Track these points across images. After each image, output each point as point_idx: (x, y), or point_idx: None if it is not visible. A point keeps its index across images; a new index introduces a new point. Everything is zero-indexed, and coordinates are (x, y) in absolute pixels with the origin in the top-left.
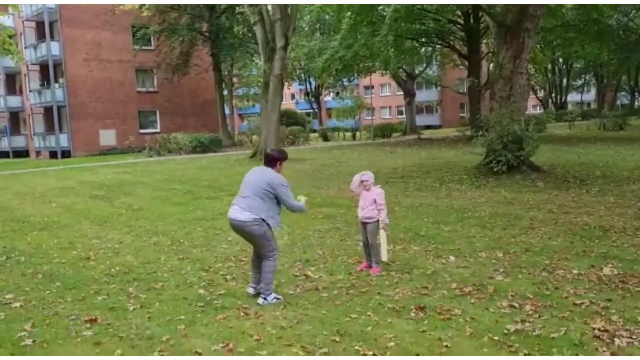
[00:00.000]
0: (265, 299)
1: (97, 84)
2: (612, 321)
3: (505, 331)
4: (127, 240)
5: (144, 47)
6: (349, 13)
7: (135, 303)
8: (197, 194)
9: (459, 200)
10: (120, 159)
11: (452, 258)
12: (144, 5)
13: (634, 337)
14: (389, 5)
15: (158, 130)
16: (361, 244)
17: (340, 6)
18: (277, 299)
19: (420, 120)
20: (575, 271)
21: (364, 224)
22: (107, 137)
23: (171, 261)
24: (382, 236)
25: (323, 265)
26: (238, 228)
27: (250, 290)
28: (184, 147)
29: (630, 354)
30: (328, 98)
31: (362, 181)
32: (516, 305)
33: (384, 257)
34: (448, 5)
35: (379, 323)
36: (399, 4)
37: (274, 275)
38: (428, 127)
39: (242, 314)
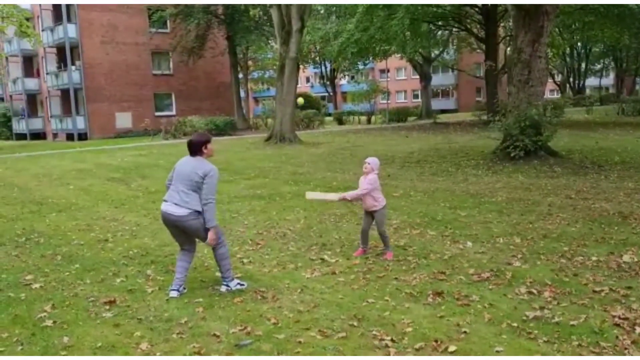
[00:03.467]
0: (227, 285)
1: (113, 67)
2: (633, 309)
3: (524, 318)
4: (145, 222)
5: (159, 30)
6: None
7: (154, 285)
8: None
9: (475, 185)
10: (136, 141)
11: (469, 243)
12: None
13: None
14: None
15: (174, 113)
16: (361, 230)
17: None
18: (241, 284)
19: (436, 104)
20: (594, 258)
21: (369, 213)
22: (123, 120)
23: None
24: (330, 196)
25: (339, 249)
26: (173, 223)
27: (174, 294)
28: (199, 130)
29: None
30: (343, 82)
31: (364, 163)
32: (535, 291)
33: (310, 195)
34: None
35: (396, 308)
36: None
37: (229, 261)
38: (444, 111)
39: (259, 297)
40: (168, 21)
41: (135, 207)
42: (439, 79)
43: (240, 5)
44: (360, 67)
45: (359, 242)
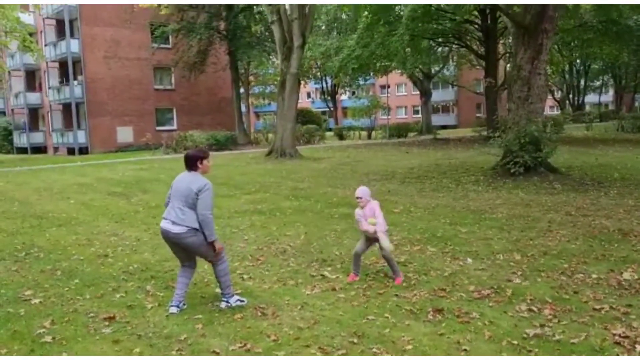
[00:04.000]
0: (227, 301)
1: (115, 82)
2: (633, 327)
3: (525, 335)
4: (145, 237)
5: (162, 45)
6: (366, 12)
7: (153, 301)
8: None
9: (475, 202)
10: (137, 156)
11: (469, 260)
12: (161, 4)
13: None
14: (406, 5)
15: (175, 127)
16: (354, 253)
17: (357, 5)
18: (241, 301)
19: (437, 120)
20: (594, 275)
21: (370, 239)
22: (124, 134)
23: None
24: (382, 237)
25: (340, 265)
26: (172, 241)
27: (174, 310)
28: (200, 144)
29: None
30: (344, 97)
31: (357, 198)
32: (535, 309)
33: (390, 246)
34: (465, 5)
35: (396, 325)
36: (416, 4)
37: (229, 277)
38: (444, 127)
39: (259, 313)
40: (170, 37)
41: (136, 222)
42: (439, 95)
43: (242, 21)
44: (361, 82)
45: (353, 267)
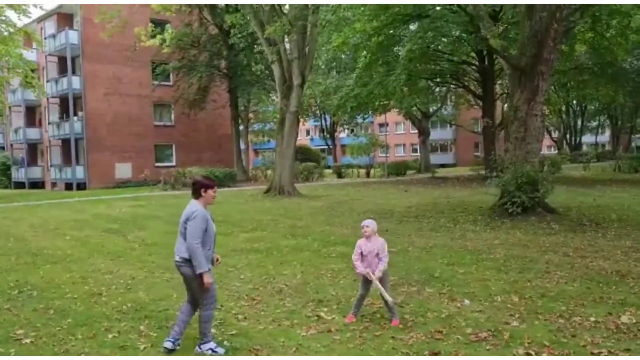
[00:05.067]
0: (199, 347)
1: (115, 118)
2: None
3: None
4: (140, 276)
5: (162, 83)
6: (365, 52)
7: (146, 342)
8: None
9: (473, 242)
10: (135, 192)
11: (466, 302)
12: (164, 42)
13: None
14: (403, 46)
15: (174, 163)
16: (358, 296)
17: (356, 46)
18: (214, 351)
19: (435, 158)
20: (592, 318)
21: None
22: (123, 170)
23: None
24: (376, 283)
25: (336, 306)
26: (178, 270)
27: (168, 345)
28: None
29: None
30: (343, 135)
31: (363, 227)
32: (533, 352)
33: (389, 298)
34: (462, 47)
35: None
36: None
37: (210, 325)
38: (442, 165)
39: (253, 355)
40: (171, 74)
41: (131, 260)
42: (437, 134)
43: (243, 60)
44: (360, 121)
45: (353, 308)
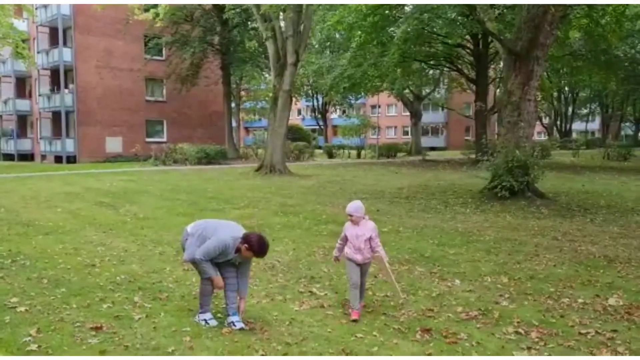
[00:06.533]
0: (197, 316)
1: (106, 91)
2: (618, 352)
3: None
4: (132, 248)
5: (154, 57)
6: (359, 32)
7: (141, 312)
8: (202, 206)
9: (463, 224)
10: (125, 166)
11: (457, 281)
12: (157, 15)
13: None
14: (398, 27)
15: (165, 139)
16: (353, 286)
17: (351, 25)
18: (207, 322)
19: (426, 141)
20: (580, 300)
21: (359, 265)
22: (114, 144)
23: (176, 272)
24: (390, 274)
25: (328, 282)
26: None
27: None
28: (189, 157)
29: None
30: (334, 115)
31: (349, 215)
32: (522, 332)
33: (401, 295)
34: (457, 29)
35: (384, 343)
36: (408, 28)
37: (206, 298)
38: (433, 148)
39: (247, 328)
40: (164, 49)
41: (123, 233)
42: (429, 117)
43: (237, 36)
44: (352, 101)
45: (351, 301)
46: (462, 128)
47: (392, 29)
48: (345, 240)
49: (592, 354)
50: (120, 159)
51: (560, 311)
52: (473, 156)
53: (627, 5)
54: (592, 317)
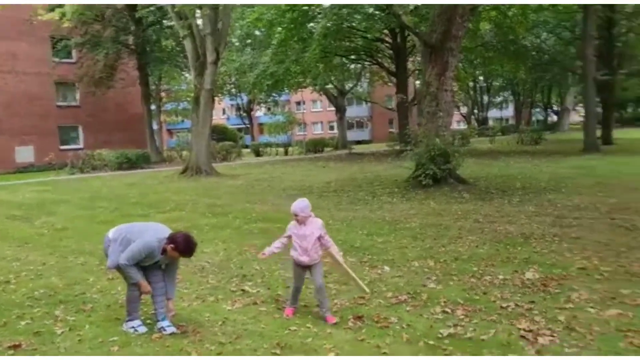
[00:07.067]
0: (125, 324)
1: (12, 98)
2: (536, 321)
3: (439, 335)
4: (51, 261)
5: (64, 60)
6: (280, 29)
7: (63, 326)
8: (126, 212)
9: (390, 213)
10: (39, 176)
11: (386, 268)
12: (64, 15)
13: (555, 335)
14: (318, 22)
15: (81, 146)
16: (295, 289)
17: (270, 22)
18: (135, 329)
19: (351, 135)
20: (501, 276)
21: (307, 267)
22: (24, 154)
23: (100, 282)
24: (348, 269)
25: (260, 280)
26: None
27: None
28: (109, 163)
29: (554, 352)
30: (260, 113)
31: (295, 215)
32: (449, 310)
33: (365, 288)
34: (375, 24)
35: (318, 334)
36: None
37: (134, 305)
38: (359, 142)
39: (178, 332)
40: (74, 51)
41: (40, 246)
42: (354, 111)
43: (152, 35)
44: (276, 98)
45: (289, 300)
46: (386, 120)
47: (312, 24)
48: (287, 240)
49: (512, 325)
50: (32, 169)
51: (483, 288)
52: (397, 147)
53: None
54: (511, 292)
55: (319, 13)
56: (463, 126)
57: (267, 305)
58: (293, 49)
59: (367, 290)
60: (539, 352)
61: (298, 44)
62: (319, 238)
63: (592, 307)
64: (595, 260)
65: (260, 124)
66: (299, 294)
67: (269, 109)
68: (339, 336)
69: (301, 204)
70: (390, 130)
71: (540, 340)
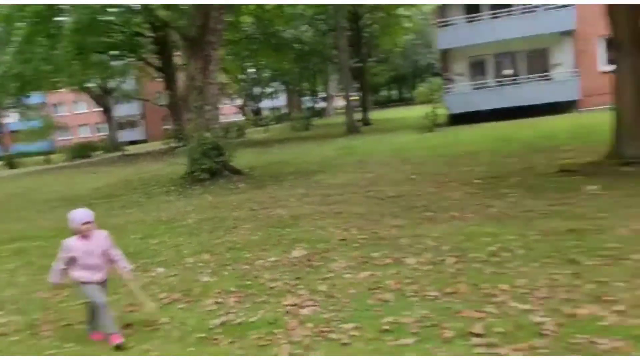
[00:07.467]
0: None
1: None
2: (300, 295)
3: (211, 326)
4: None
5: None
6: (21, 24)
7: None
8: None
9: (167, 212)
10: None
11: (160, 269)
12: None
13: (317, 304)
14: (67, 16)
15: None
16: (102, 308)
17: (8, 16)
18: None
19: (124, 135)
20: (271, 259)
21: (101, 283)
22: None
23: None
24: (136, 286)
25: (15, 306)
26: None
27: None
28: None
29: (316, 321)
30: (10, 120)
31: (84, 223)
32: (221, 300)
33: (153, 307)
34: (133, 17)
35: (84, 352)
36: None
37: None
38: (133, 142)
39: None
40: None
41: None
42: (123, 110)
43: None
44: (28, 102)
45: (107, 326)
46: (159, 118)
47: (60, 18)
48: (70, 262)
49: (278, 302)
50: None
51: (255, 273)
52: (173, 145)
53: None
54: (280, 272)
55: (67, 6)
56: (241, 118)
57: (20, 334)
58: (42, 46)
59: (154, 305)
60: (301, 323)
61: (47, 40)
62: (106, 251)
63: (348, 273)
64: (354, 231)
65: (13, 132)
66: (111, 311)
67: (21, 114)
68: (108, 351)
69: (86, 213)
70: (166, 127)
71: (303, 311)
